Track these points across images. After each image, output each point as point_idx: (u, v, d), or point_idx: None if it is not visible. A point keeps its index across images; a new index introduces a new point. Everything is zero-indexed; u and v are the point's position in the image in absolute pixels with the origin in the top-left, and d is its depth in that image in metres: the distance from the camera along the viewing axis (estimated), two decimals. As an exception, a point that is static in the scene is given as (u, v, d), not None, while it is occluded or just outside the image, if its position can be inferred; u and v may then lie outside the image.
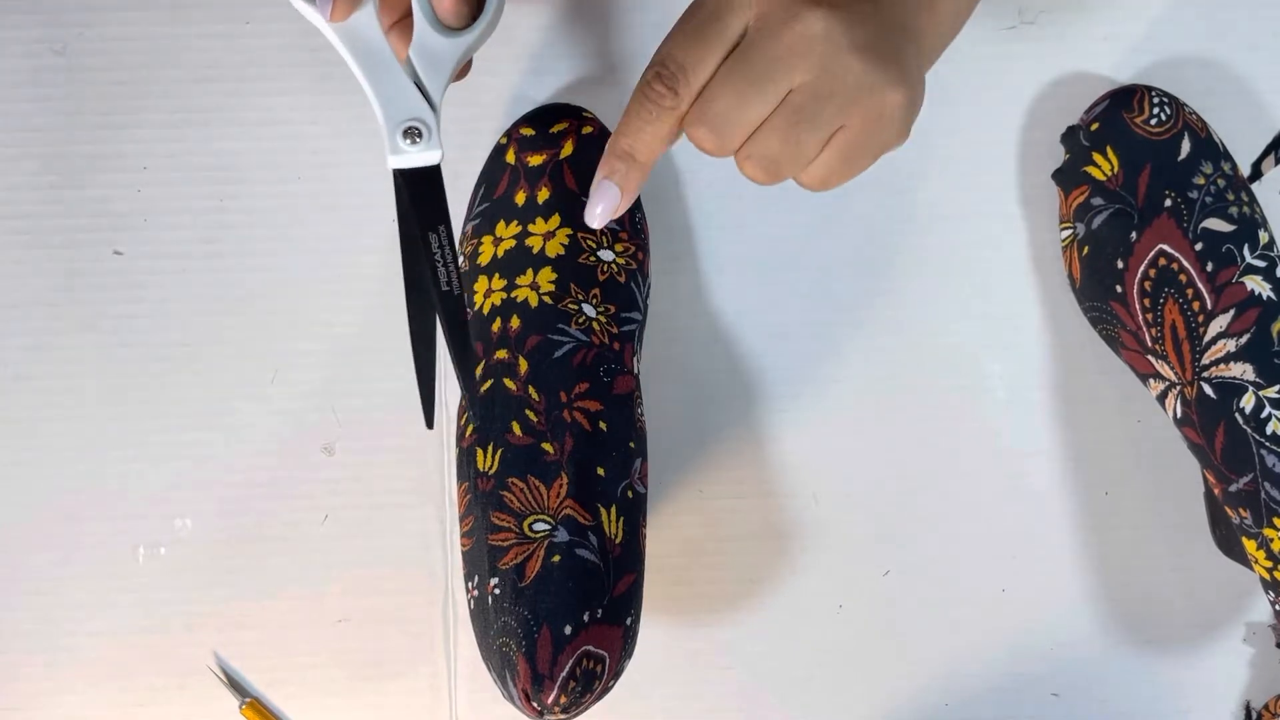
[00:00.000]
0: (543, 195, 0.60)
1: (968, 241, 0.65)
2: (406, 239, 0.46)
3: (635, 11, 0.64)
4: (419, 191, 0.46)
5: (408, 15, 0.47)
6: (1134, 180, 0.60)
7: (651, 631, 0.63)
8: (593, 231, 0.60)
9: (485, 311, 0.59)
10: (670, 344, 0.65)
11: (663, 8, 0.64)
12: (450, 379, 0.65)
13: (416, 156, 0.45)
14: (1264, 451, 0.57)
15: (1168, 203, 0.59)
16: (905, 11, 0.43)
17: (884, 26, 0.42)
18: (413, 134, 0.45)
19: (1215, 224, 0.59)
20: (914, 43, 0.43)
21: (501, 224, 0.60)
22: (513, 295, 0.58)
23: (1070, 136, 0.62)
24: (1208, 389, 0.58)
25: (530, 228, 0.60)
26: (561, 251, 0.59)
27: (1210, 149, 0.61)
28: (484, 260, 0.60)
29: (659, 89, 0.41)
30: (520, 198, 0.60)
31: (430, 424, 0.48)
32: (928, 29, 0.44)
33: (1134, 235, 0.60)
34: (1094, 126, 0.61)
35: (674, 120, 0.42)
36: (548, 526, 0.54)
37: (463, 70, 0.48)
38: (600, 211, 0.44)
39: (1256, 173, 0.64)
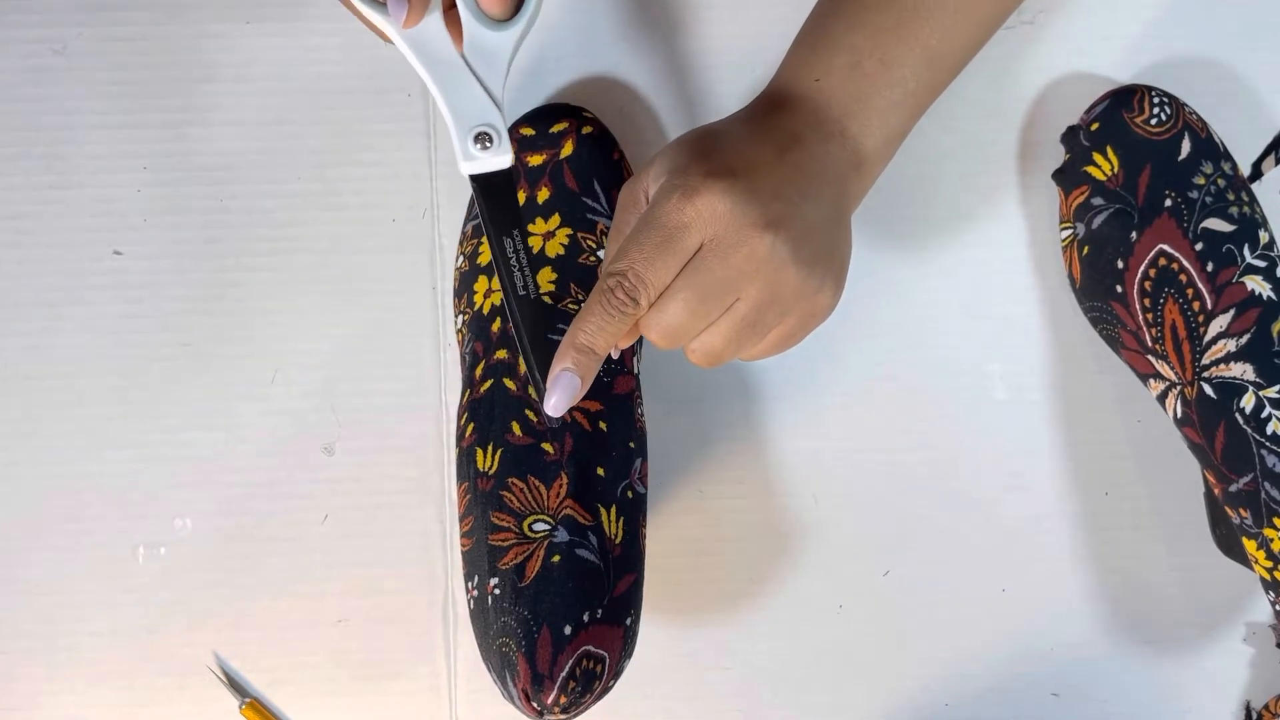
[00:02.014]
0: (543, 195, 0.60)
1: (968, 241, 0.65)
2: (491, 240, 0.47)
3: (635, 12, 0.64)
4: (492, 197, 0.46)
5: (452, 6, 0.47)
6: (1134, 180, 0.60)
7: (651, 631, 0.63)
8: (593, 231, 0.60)
9: (485, 311, 0.59)
10: (670, 344, 0.65)
11: (662, 7, 0.64)
12: (449, 380, 0.65)
13: (488, 161, 0.45)
14: (1264, 451, 0.57)
15: (1168, 203, 0.59)
16: (843, 192, 0.48)
17: (823, 225, 0.46)
18: (484, 139, 0.45)
19: (1215, 224, 0.59)
20: (845, 211, 0.49)
21: (501, 224, 0.60)
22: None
23: (1070, 136, 0.62)
24: (1208, 389, 0.58)
25: (530, 228, 0.60)
26: (561, 251, 0.59)
27: (1210, 149, 0.61)
28: (484, 260, 0.60)
29: (621, 297, 0.44)
30: (520, 198, 0.60)
31: (540, 395, 0.47)
32: (857, 182, 0.49)
33: (1134, 235, 0.60)
34: (1094, 126, 0.61)
35: (631, 323, 0.45)
36: (548, 526, 0.54)
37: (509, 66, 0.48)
38: (560, 402, 0.45)
39: (1256, 173, 0.64)
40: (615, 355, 0.50)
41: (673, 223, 0.44)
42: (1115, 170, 0.60)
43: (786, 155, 0.46)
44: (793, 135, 0.47)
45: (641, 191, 0.47)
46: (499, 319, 0.58)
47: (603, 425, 0.56)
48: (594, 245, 0.59)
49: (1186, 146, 0.60)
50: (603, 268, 0.47)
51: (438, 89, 0.45)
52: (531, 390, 0.49)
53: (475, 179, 0.46)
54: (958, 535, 0.66)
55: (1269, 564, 0.58)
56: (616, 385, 0.58)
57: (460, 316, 0.62)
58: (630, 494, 0.57)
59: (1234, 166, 0.61)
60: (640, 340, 0.61)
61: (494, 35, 0.45)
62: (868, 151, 0.49)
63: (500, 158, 0.45)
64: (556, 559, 0.53)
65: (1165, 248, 0.59)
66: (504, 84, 0.45)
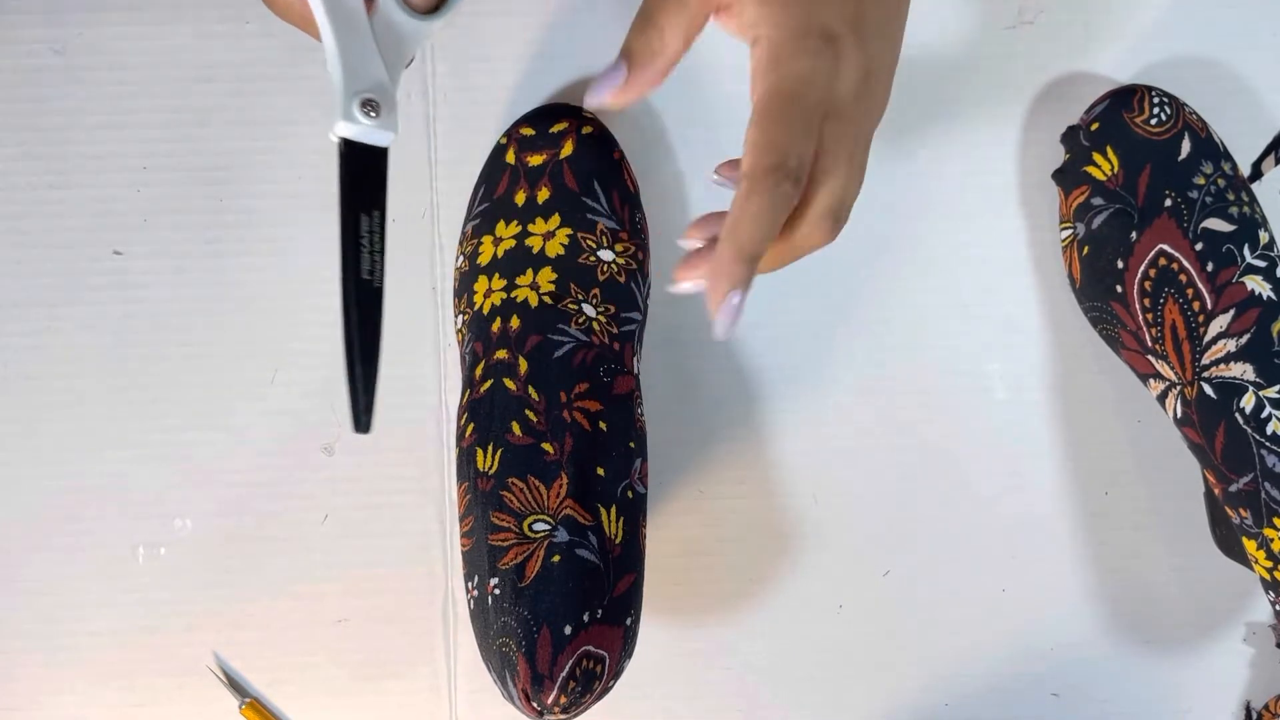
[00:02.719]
0: (543, 195, 0.60)
1: (968, 241, 0.65)
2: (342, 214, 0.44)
3: (634, 12, 0.64)
4: (360, 169, 0.44)
5: None
6: (1134, 180, 0.60)
7: (651, 631, 0.63)
8: (592, 231, 0.60)
9: (485, 311, 0.59)
10: (670, 344, 0.65)
11: (663, 8, 0.64)
12: (449, 380, 0.65)
13: (369, 131, 0.43)
14: (1264, 451, 0.57)
15: (1168, 203, 0.59)
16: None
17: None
18: (370, 106, 0.42)
19: (1215, 224, 0.59)
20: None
21: (501, 224, 0.60)
22: (513, 295, 0.58)
23: (1070, 136, 0.62)
24: (1208, 389, 0.58)
25: (530, 228, 0.60)
26: (561, 251, 0.59)
27: (1210, 149, 0.61)
28: (484, 260, 0.60)
29: (788, 189, 0.40)
30: (520, 198, 0.60)
31: (358, 428, 0.43)
32: None
33: (1134, 235, 0.60)
34: (1094, 126, 0.61)
35: (787, 210, 0.41)
36: (548, 526, 0.54)
37: (409, 60, 0.46)
38: (729, 323, 0.42)
39: (1256, 173, 0.64)
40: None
41: (817, 85, 0.40)
42: (1115, 170, 0.60)
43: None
44: None
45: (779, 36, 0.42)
46: (499, 319, 0.58)
47: (603, 425, 0.56)
48: (594, 245, 0.59)
49: (1186, 146, 0.60)
50: (747, 157, 0.41)
51: (335, 40, 0.42)
52: (349, 397, 0.45)
53: (348, 144, 0.43)
54: (958, 535, 0.66)
55: (1269, 564, 0.58)
56: (616, 385, 0.58)
57: (460, 316, 0.62)
58: (630, 494, 0.57)
59: (1234, 166, 0.61)
60: (640, 340, 0.61)
61: (410, 22, 0.44)
62: None
63: (382, 133, 0.43)
64: (556, 559, 0.53)
65: (1165, 248, 0.59)
66: (401, 70, 0.43)
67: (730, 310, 0.41)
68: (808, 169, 0.41)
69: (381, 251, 0.44)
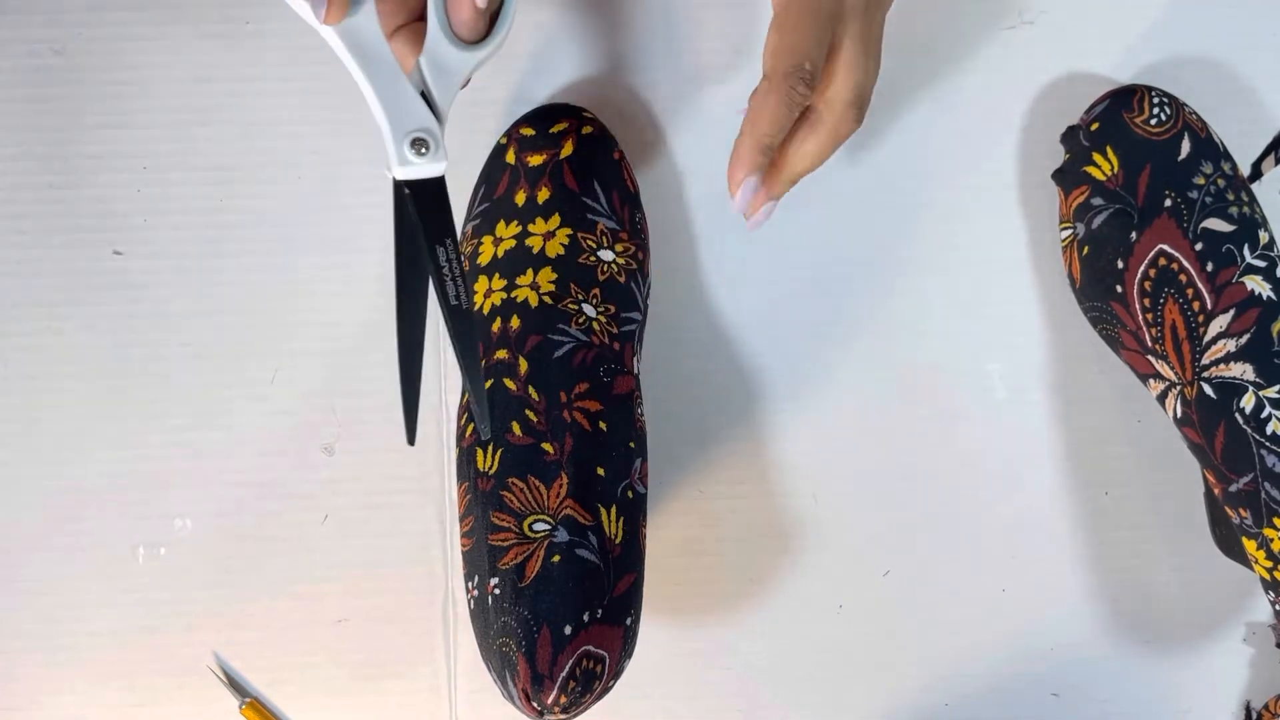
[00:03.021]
0: (543, 195, 0.60)
1: (968, 241, 0.65)
2: (403, 250, 0.45)
3: (634, 12, 0.64)
4: (425, 204, 0.45)
5: (412, 21, 0.47)
6: (1134, 180, 0.60)
7: (651, 631, 0.63)
8: (593, 231, 0.60)
9: (485, 311, 0.59)
10: (670, 344, 0.65)
11: (662, 6, 0.64)
12: (449, 380, 0.65)
13: (423, 168, 0.44)
14: (1264, 451, 0.57)
15: (1168, 203, 0.59)
16: None
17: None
18: (419, 145, 0.44)
19: (1215, 224, 0.59)
20: None
21: (501, 224, 0.60)
22: (513, 295, 0.58)
23: (1070, 136, 0.62)
24: (1208, 389, 0.58)
25: (530, 228, 0.60)
26: (561, 251, 0.59)
27: (1210, 149, 0.61)
28: (484, 260, 0.60)
29: (803, 90, 0.45)
30: (520, 198, 0.60)
31: (411, 440, 0.47)
32: None
33: (1134, 235, 0.60)
34: (1094, 126, 0.61)
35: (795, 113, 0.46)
36: (548, 526, 0.54)
37: (463, 83, 0.47)
38: (755, 210, 0.49)
39: (1256, 173, 0.64)
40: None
41: (829, 5, 0.45)
42: (1115, 170, 0.60)
43: None
44: None
45: None
46: (499, 319, 0.58)
47: (603, 425, 0.56)
48: (594, 245, 0.59)
49: (1186, 146, 0.60)
50: (767, 60, 0.47)
51: (373, 89, 0.43)
52: (472, 404, 0.48)
53: (409, 186, 0.44)
54: (958, 535, 0.66)
55: (1269, 564, 0.58)
56: (616, 385, 0.58)
57: (460, 316, 0.62)
58: (630, 494, 0.57)
59: (1234, 166, 0.61)
60: (640, 340, 0.61)
61: (458, 55, 0.45)
62: None
63: (435, 164, 0.44)
64: (556, 559, 0.53)
65: (1165, 248, 0.59)
66: (452, 98, 0.45)
67: (748, 190, 0.47)
68: (820, 70, 0.46)
69: (462, 274, 0.45)
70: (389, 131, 0.44)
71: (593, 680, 0.53)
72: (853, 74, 0.47)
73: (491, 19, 0.46)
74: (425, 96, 0.44)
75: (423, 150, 0.44)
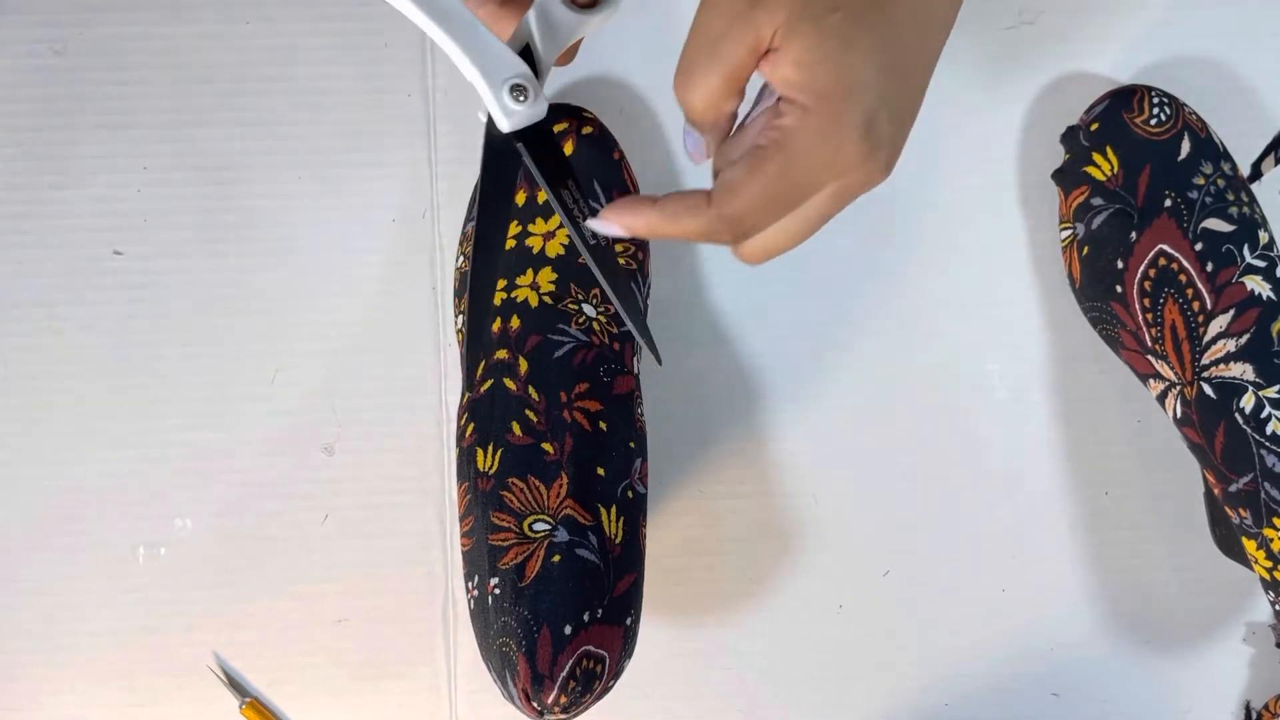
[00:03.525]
0: (543, 195, 0.60)
1: (968, 242, 0.65)
2: (488, 198, 0.44)
3: (634, 13, 0.64)
4: (539, 150, 0.43)
5: None
6: (1134, 180, 0.60)
7: (651, 631, 0.63)
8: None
9: (485, 311, 0.59)
10: (670, 344, 0.65)
11: (662, 8, 0.64)
12: (449, 380, 0.65)
13: (527, 113, 0.42)
14: (1264, 451, 0.57)
15: (1168, 203, 0.59)
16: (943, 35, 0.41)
17: (905, 104, 0.40)
18: (518, 91, 0.42)
19: (1215, 224, 0.59)
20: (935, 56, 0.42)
21: (501, 224, 0.60)
22: (513, 295, 0.58)
23: (1070, 136, 0.62)
24: (1208, 389, 0.58)
25: (530, 228, 0.60)
26: (561, 251, 0.59)
27: (1210, 149, 0.61)
28: (484, 260, 0.60)
29: (725, 239, 0.41)
30: (520, 198, 0.60)
31: (659, 361, 0.46)
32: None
33: (1134, 235, 0.60)
34: (1094, 126, 0.61)
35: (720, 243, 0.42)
36: (548, 526, 0.54)
37: (568, 53, 0.46)
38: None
39: (1256, 173, 0.64)
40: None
41: (811, 184, 0.39)
42: (1115, 170, 0.60)
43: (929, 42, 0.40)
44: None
45: (749, 50, 0.39)
46: (499, 319, 0.58)
47: (603, 425, 0.56)
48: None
49: (1186, 146, 0.60)
50: (717, 174, 0.41)
51: (460, 48, 0.42)
52: (636, 336, 0.46)
53: (519, 136, 0.43)
54: (958, 535, 0.66)
55: (1269, 564, 0.58)
56: (616, 385, 0.58)
57: (460, 316, 0.62)
58: (630, 494, 0.57)
59: (1234, 166, 0.61)
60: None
61: (572, 17, 0.43)
62: None
63: (538, 108, 0.43)
64: (556, 559, 0.53)
65: (1165, 248, 0.59)
66: (553, 59, 0.44)
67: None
68: (754, 233, 0.41)
69: (593, 213, 0.43)
70: (484, 83, 0.42)
71: (593, 680, 0.53)
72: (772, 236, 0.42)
73: None
74: (529, 50, 0.43)
75: (521, 97, 0.42)
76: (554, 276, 0.58)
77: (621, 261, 0.60)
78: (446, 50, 0.42)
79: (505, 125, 0.42)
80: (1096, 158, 0.61)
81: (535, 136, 0.43)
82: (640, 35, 0.64)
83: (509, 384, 0.57)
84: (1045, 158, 0.65)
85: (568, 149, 0.60)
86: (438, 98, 0.64)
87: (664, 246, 0.64)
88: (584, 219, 0.44)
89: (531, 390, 0.56)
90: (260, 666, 0.65)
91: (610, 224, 0.42)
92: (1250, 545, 0.59)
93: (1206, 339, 0.58)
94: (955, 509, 0.66)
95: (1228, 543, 0.63)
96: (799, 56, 0.38)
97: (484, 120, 0.43)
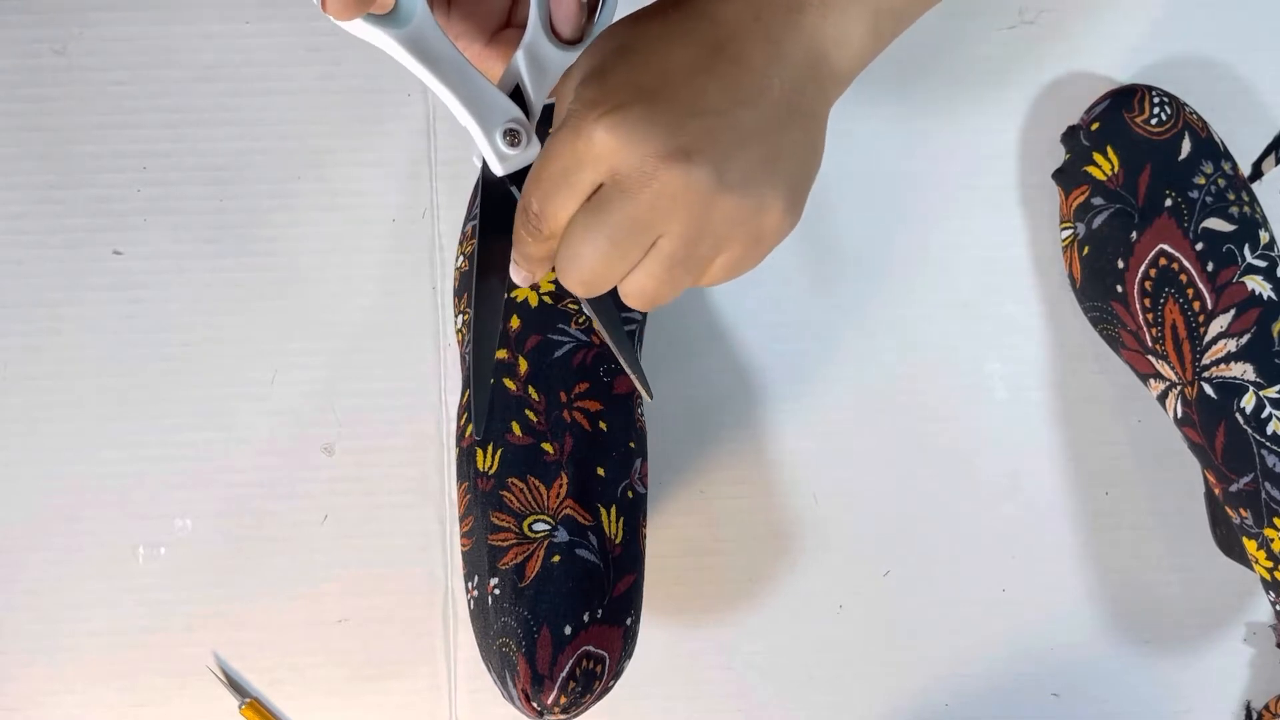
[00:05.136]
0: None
1: (968, 242, 0.65)
2: (488, 245, 0.44)
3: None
4: None
5: (501, 29, 0.46)
6: (1134, 180, 0.60)
7: (651, 631, 0.63)
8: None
9: (485, 311, 0.59)
10: (670, 344, 0.65)
11: (663, 8, 0.64)
12: (449, 380, 0.65)
13: (520, 157, 0.43)
14: (1264, 451, 0.57)
15: (1168, 202, 0.59)
16: (809, 81, 0.40)
17: (765, 130, 0.39)
18: (512, 136, 0.43)
19: (1216, 224, 0.59)
20: (808, 105, 0.40)
21: (501, 224, 0.60)
22: (512, 295, 0.58)
23: (1070, 136, 0.62)
24: (1208, 389, 0.58)
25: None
26: (561, 251, 0.59)
27: (1210, 149, 0.61)
28: (484, 260, 0.60)
29: (523, 233, 0.41)
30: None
31: (480, 433, 0.45)
32: (842, 62, 0.41)
33: (1134, 235, 0.60)
34: (1094, 126, 0.61)
35: (548, 253, 0.41)
36: (547, 526, 0.54)
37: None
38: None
39: (1257, 173, 0.64)
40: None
41: (564, 158, 0.38)
42: (1115, 170, 0.60)
43: (723, 51, 0.39)
44: (737, 20, 0.39)
45: (563, 100, 0.41)
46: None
47: (603, 425, 0.56)
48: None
49: (1187, 146, 0.60)
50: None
51: (455, 96, 0.43)
52: (634, 379, 0.47)
53: (514, 179, 0.44)
54: (958, 535, 0.66)
55: (1269, 564, 0.58)
56: (616, 385, 0.58)
57: (460, 316, 0.62)
58: (630, 494, 0.57)
59: (1234, 166, 0.61)
60: (640, 340, 0.61)
61: (558, 54, 0.44)
62: (853, 21, 0.40)
63: (531, 151, 0.43)
64: (556, 559, 0.53)
65: (1165, 248, 0.59)
66: (543, 100, 0.44)
67: (514, 275, 0.43)
68: (551, 223, 0.40)
69: None
70: (479, 129, 0.43)
71: (593, 680, 0.53)
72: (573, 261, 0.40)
73: (590, 16, 0.45)
74: (520, 91, 0.44)
75: (515, 141, 0.43)
76: (554, 276, 0.58)
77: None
78: (440, 96, 0.43)
79: (499, 170, 0.43)
80: (1097, 157, 0.61)
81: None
82: (640, 35, 0.64)
83: (509, 384, 0.57)
84: (1045, 158, 0.65)
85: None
86: (437, 98, 0.64)
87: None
88: None
89: (531, 390, 0.56)
90: (260, 666, 0.65)
91: (516, 273, 0.43)
92: (1251, 545, 0.59)
93: (1207, 339, 0.58)
94: (955, 509, 0.66)
95: (1228, 543, 0.63)
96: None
97: (479, 164, 0.44)
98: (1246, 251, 0.59)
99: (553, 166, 0.39)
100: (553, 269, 0.42)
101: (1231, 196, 0.60)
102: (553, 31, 0.44)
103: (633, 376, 0.47)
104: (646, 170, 0.37)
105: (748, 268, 0.42)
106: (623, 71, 0.39)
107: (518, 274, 0.43)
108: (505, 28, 0.45)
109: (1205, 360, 0.58)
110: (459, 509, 0.58)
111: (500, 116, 0.43)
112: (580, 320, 0.58)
